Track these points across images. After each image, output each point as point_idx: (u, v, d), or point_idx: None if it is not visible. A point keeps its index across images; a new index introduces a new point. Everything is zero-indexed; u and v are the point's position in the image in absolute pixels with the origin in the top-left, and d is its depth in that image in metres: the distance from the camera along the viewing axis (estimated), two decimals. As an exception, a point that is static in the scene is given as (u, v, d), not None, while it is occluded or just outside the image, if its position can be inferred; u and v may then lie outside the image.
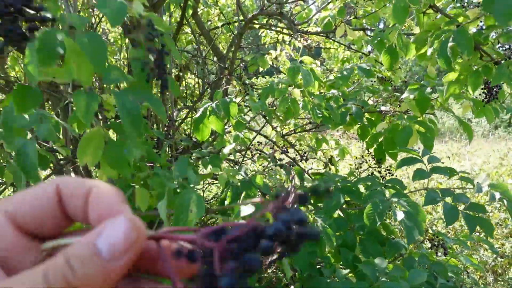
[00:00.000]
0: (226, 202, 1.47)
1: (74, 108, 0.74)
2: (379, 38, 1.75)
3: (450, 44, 1.34)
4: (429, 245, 1.79)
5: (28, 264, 0.27)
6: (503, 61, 1.37)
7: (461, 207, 1.14)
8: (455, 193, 1.18)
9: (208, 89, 2.44)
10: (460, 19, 1.42)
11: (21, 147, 0.73)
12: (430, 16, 1.53)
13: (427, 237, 1.62)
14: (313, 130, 2.44)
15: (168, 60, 0.87)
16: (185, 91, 2.70)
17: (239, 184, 1.34)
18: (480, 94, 1.52)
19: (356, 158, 2.41)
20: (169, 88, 0.87)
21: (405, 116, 1.59)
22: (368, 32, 2.28)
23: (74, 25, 0.71)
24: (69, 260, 0.23)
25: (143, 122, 0.75)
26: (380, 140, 1.66)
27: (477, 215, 1.09)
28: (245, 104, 1.94)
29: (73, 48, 0.67)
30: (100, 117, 1.26)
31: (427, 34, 1.49)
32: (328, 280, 1.08)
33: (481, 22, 1.42)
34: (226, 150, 1.87)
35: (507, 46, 1.40)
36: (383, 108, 1.81)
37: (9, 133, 0.79)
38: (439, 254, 1.46)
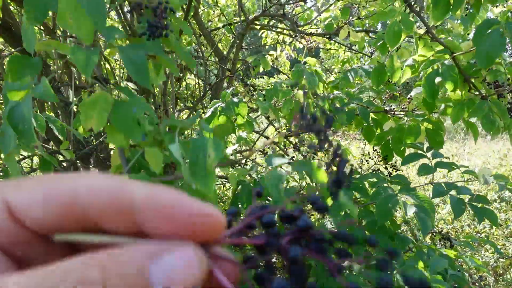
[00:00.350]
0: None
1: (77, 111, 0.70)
2: (382, 41, 1.77)
3: (437, 79, 1.37)
4: (431, 243, 1.80)
5: (41, 258, 0.22)
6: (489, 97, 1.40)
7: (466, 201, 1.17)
8: (458, 186, 1.21)
9: (208, 91, 2.44)
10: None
11: (14, 106, 0.65)
12: (427, 42, 1.55)
13: (430, 235, 1.62)
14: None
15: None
16: (185, 92, 2.71)
17: (251, 184, 1.34)
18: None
19: (363, 155, 2.41)
20: (157, 38, 0.80)
21: (413, 115, 1.60)
22: (370, 33, 2.30)
23: None
24: (107, 279, 0.18)
25: (149, 72, 0.70)
26: (387, 138, 1.67)
27: (483, 207, 1.12)
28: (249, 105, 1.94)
29: (69, 2, 0.64)
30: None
31: (423, 58, 1.53)
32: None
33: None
34: (229, 151, 1.87)
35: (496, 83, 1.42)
36: (388, 107, 1.83)
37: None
38: (446, 247, 1.48)
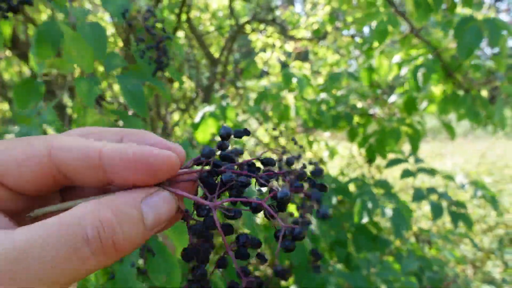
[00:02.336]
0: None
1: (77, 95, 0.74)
2: (368, 45, 1.85)
3: (421, 71, 1.46)
4: (414, 240, 1.90)
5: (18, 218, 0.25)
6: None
7: (444, 204, 1.27)
8: (438, 191, 1.31)
9: (200, 93, 2.49)
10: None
11: (25, 134, 0.71)
12: (411, 41, 1.64)
13: (413, 232, 1.72)
14: (302, 132, 2.53)
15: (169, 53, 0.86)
16: (177, 93, 2.75)
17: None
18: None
19: (351, 156, 2.50)
20: (163, 72, 0.84)
21: (393, 118, 1.69)
22: (356, 38, 2.38)
23: (77, 17, 0.74)
24: (117, 216, 0.23)
25: (146, 102, 0.76)
26: (371, 141, 1.76)
27: (459, 211, 1.21)
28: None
29: (73, 36, 0.68)
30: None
31: (408, 57, 1.62)
32: (323, 275, 1.17)
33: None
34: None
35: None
36: (372, 111, 1.91)
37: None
38: (424, 246, 1.57)
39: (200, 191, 0.30)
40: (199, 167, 0.30)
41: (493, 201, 1.21)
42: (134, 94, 0.73)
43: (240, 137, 0.32)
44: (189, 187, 0.29)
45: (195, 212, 0.29)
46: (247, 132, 0.31)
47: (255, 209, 0.28)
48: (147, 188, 0.26)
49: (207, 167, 0.30)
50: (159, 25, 0.82)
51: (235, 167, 0.30)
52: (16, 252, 0.20)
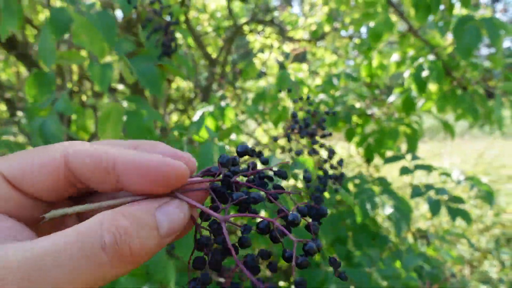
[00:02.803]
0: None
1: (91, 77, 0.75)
2: (366, 46, 1.87)
3: (424, 73, 1.48)
4: (412, 240, 1.91)
5: (33, 224, 0.26)
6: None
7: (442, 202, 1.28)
8: (436, 188, 1.32)
9: (199, 93, 2.50)
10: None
11: (41, 124, 0.72)
12: (410, 38, 1.66)
13: (411, 232, 1.73)
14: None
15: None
16: (176, 93, 2.76)
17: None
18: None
19: (349, 156, 2.50)
20: (170, 57, 0.85)
21: (392, 118, 1.71)
22: (354, 38, 2.40)
23: (84, 8, 0.75)
24: (132, 223, 0.23)
25: (160, 82, 0.77)
26: (369, 141, 1.78)
27: (457, 207, 1.23)
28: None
29: (82, 22, 0.70)
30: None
31: (405, 55, 1.63)
32: (324, 272, 1.17)
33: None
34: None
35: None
36: (370, 111, 1.92)
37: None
38: (423, 245, 1.58)
39: (207, 202, 0.31)
40: (210, 177, 0.30)
41: (488, 196, 1.23)
42: (147, 75, 0.74)
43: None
44: (201, 196, 0.30)
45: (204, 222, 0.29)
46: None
47: (263, 230, 0.28)
48: (161, 198, 0.27)
49: (219, 177, 0.30)
50: (166, 10, 0.83)
51: (246, 177, 0.30)
52: (34, 260, 0.21)
